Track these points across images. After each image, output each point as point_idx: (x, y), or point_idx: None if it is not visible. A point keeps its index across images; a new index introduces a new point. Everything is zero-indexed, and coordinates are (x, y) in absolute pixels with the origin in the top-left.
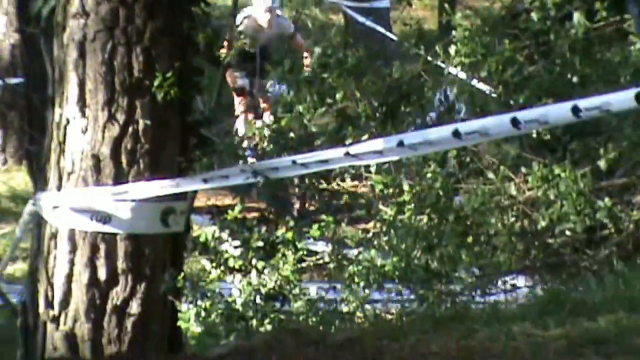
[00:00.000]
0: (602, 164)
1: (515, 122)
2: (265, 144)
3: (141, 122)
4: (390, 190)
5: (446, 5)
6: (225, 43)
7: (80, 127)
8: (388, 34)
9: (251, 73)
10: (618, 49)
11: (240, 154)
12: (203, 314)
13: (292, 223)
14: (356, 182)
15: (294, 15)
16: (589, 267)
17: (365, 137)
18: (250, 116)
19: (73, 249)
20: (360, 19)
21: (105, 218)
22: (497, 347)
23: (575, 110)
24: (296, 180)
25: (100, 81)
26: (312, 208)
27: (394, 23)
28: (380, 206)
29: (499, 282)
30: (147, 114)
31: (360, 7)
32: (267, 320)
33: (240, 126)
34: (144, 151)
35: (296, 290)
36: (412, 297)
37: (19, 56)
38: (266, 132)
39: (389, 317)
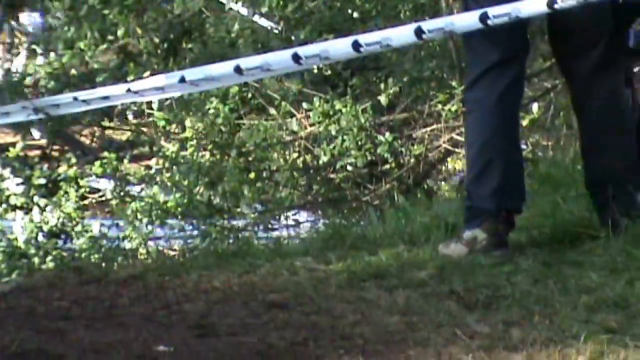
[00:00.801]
0: (382, 99)
1: (296, 57)
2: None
3: None
4: (173, 126)
5: None
6: None
7: None
8: None
9: None
10: None
11: (22, 91)
12: None
13: (73, 160)
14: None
15: None
16: (370, 202)
17: (147, 73)
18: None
19: None
20: None
21: None
22: (279, 282)
23: (356, 45)
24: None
25: None
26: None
27: None
28: (163, 143)
29: (282, 218)
30: None
31: None
32: (49, 258)
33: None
34: None
35: (79, 228)
36: (195, 233)
37: None
38: (47, 69)
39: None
